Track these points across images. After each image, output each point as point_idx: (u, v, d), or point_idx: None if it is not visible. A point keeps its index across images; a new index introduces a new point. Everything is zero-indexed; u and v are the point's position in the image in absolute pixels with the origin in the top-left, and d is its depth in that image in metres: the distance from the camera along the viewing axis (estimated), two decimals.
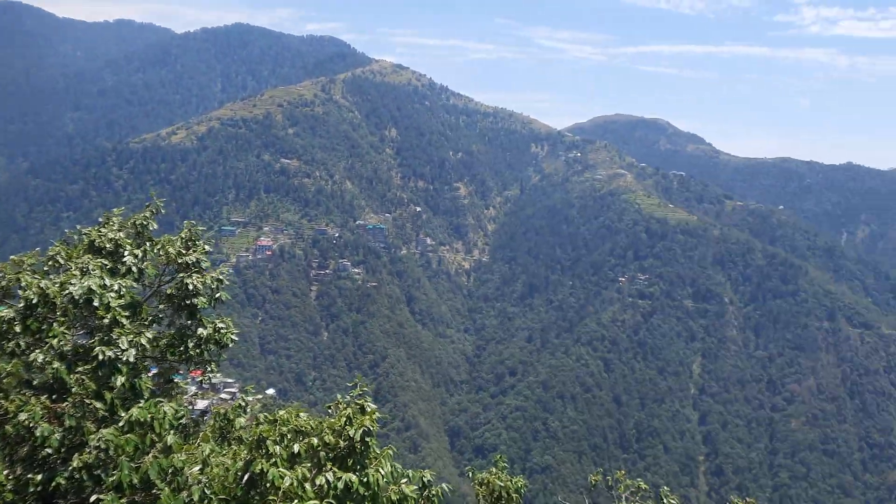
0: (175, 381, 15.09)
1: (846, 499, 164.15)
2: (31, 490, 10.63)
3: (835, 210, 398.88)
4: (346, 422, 10.57)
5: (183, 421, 13.15)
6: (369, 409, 10.95)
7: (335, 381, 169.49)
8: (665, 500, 14.42)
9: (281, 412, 11.16)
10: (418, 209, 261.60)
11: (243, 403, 14.07)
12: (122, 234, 13.91)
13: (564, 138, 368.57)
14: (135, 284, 13.52)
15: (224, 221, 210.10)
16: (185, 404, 14.90)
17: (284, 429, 10.67)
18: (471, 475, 15.28)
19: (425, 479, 11.39)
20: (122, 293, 12.49)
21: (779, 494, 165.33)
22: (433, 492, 11.53)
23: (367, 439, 10.45)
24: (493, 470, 14.89)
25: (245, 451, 10.92)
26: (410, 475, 11.32)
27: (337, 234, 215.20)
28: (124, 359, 11.85)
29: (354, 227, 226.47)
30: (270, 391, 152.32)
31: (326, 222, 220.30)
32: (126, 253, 13.58)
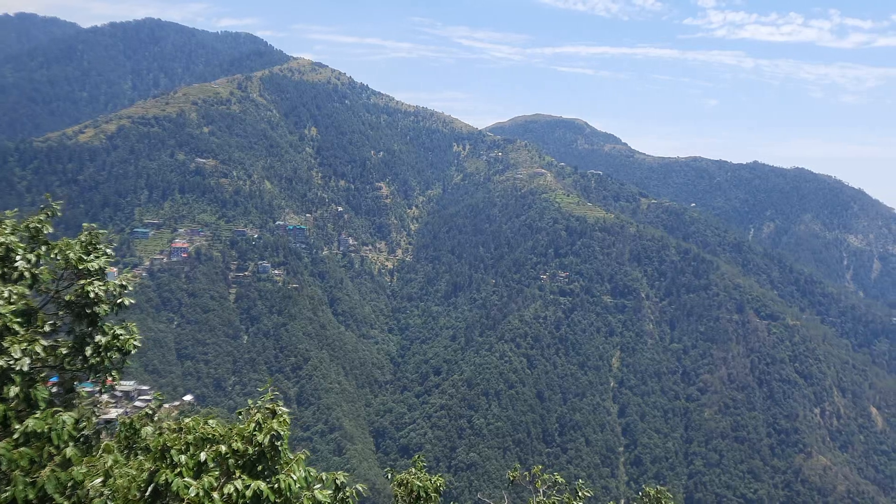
0: (77, 390, 14.36)
1: (756, 483, 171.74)
2: None
3: (742, 207, 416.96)
4: (254, 427, 10.26)
5: (85, 431, 12.55)
6: (280, 413, 10.67)
7: (256, 386, 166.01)
8: (580, 493, 14.68)
9: (187, 420, 10.76)
10: (340, 209, 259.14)
11: (150, 411, 13.54)
12: (14, 238, 13.09)
13: (486, 138, 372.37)
14: (28, 291, 12.78)
15: (136, 223, 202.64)
16: (89, 414, 14.21)
17: (190, 437, 10.28)
18: (390, 476, 15.16)
19: (339, 482, 11.21)
20: (12, 300, 11.80)
21: (694, 481, 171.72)
22: (347, 493, 11.37)
23: (277, 444, 10.17)
24: (413, 470, 14.81)
25: (149, 462, 10.50)
26: (325, 478, 11.12)
27: (256, 235, 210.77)
28: (17, 368, 11.20)
29: (274, 228, 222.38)
30: (188, 397, 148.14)
31: (245, 223, 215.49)
32: (18, 258, 12.80)
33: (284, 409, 10.76)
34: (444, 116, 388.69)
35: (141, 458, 11.91)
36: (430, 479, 14.38)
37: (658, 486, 16.52)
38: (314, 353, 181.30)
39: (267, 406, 10.78)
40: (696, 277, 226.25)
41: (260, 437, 10.13)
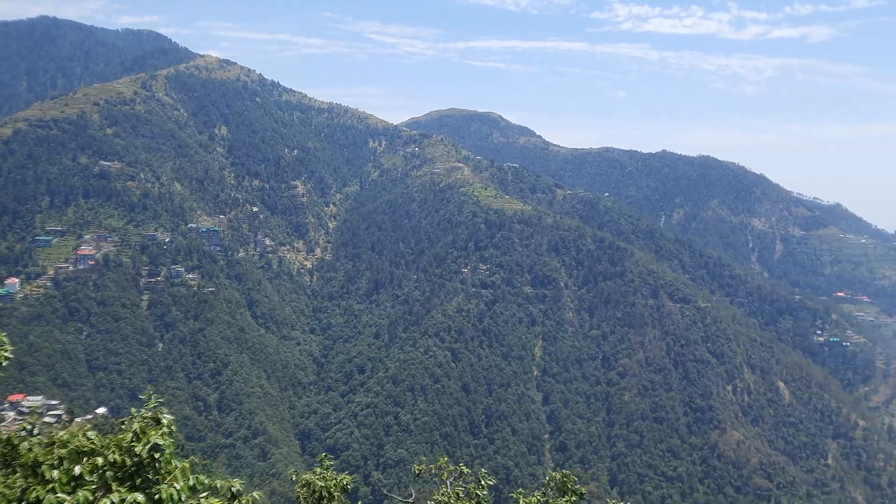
0: None
1: (675, 461, 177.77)
2: None
3: (653, 195, 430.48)
4: (133, 438, 9.51)
5: None
6: (165, 422, 9.94)
7: (174, 394, 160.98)
8: (483, 482, 14.55)
9: (61, 433, 9.90)
10: (255, 209, 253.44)
11: (28, 426, 12.49)
12: None
13: (402, 133, 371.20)
14: None
15: (38, 231, 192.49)
16: None
17: (63, 451, 9.45)
18: (294, 477, 14.52)
19: (234, 489, 10.56)
20: None
21: (617, 463, 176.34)
22: (244, 501, 10.73)
23: (156, 455, 9.45)
24: (318, 470, 14.23)
25: (22, 479, 9.62)
26: (219, 486, 10.45)
27: (168, 239, 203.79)
28: None
29: (186, 231, 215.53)
30: (101, 410, 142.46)
31: (155, 227, 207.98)
32: None
33: (169, 416, 10.03)
34: (358, 112, 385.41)
35: (18, 475, 10.94)
36: (336, 479, 13.85)
37: (563, 471, 16.59)
38: (234, 358, 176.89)
39: (147, 415, 10.01)
40: (612, 265, 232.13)
41: (138, 448, 9.39)
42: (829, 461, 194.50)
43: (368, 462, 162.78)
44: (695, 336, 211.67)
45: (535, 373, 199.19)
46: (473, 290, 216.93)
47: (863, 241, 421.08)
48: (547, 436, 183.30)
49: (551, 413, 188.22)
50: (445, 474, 15.50)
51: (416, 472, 16.23)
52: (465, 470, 15.78)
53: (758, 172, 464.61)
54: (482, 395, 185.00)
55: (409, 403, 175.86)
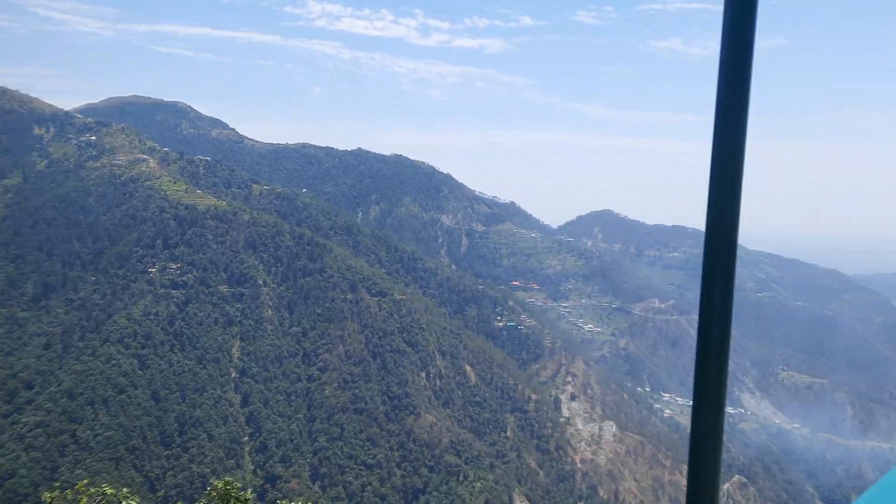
0: None
1: (375, 448, 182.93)
2: None
3: (351, 192, 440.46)
4: None
5: None
6: None
7: None
8: (123, 502, 12.20)
9: None
10: None
11: None
12: None
13: (74, 120, 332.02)
14: None
15: None
16: None
17: None
18: None
19: None
20: None
21: (318, 458, 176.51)
22: None
23: None
24: None
25: None
26: None
27: None
28: None
29: None
30: None
31: None
32: None
33: None
34: (20, 95, 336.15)
35: None
36: None
37: (226, 479, 14.79)
38: None
39: None
40: (311, 261, 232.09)
41: None
42: (508, 433, 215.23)
43: (40, 488, 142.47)
44: (392, 327, 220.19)
45: (233, 374, 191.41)
46: (163, 291, 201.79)
47: (532, 235, 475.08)
48: (246, 438, 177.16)
49: (251, 414, 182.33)
50: (84, 499, 12.65)
51: (48, 500, 13.06)
52: (109, 491, 13.07)
53: (445, 172, 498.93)
54: (174, 403, 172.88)
55: (88, 418, 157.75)
